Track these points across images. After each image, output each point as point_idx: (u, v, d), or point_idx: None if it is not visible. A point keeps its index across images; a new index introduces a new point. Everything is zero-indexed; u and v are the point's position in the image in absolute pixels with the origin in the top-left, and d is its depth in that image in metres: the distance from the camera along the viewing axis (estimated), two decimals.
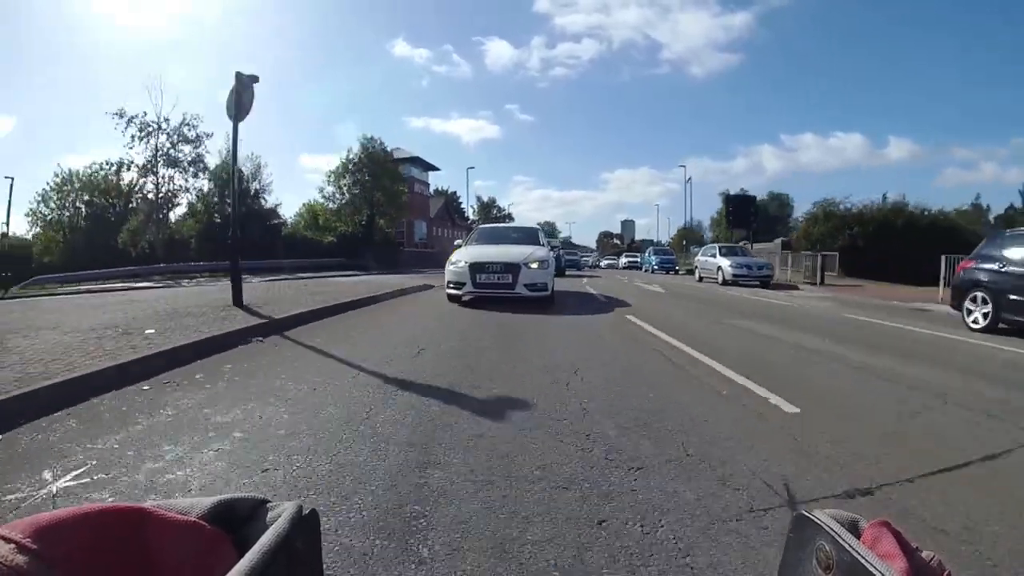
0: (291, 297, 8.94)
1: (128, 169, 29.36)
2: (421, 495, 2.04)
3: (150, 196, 29.76)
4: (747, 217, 33.29)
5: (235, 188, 7.32)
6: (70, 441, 2.60)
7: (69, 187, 30.06)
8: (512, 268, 8.24)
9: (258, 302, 7.73)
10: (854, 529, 0.34)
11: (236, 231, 7.46)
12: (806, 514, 0.35)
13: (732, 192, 50.84)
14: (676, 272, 28.44)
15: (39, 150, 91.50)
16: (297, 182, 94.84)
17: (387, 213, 33.68)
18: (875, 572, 0.28)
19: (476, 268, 8.37)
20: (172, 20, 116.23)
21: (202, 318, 6.05)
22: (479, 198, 66.60)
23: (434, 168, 45.93)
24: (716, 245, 20.98)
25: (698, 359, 4.63)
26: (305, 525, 0.32)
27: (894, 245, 21.12)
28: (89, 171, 29.91)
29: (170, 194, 29.59)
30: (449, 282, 8.78)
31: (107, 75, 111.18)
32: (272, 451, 2.48)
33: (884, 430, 3.00)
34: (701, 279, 20.47)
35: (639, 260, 37.85)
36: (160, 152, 28.42)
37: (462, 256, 8.84)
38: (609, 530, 1.85)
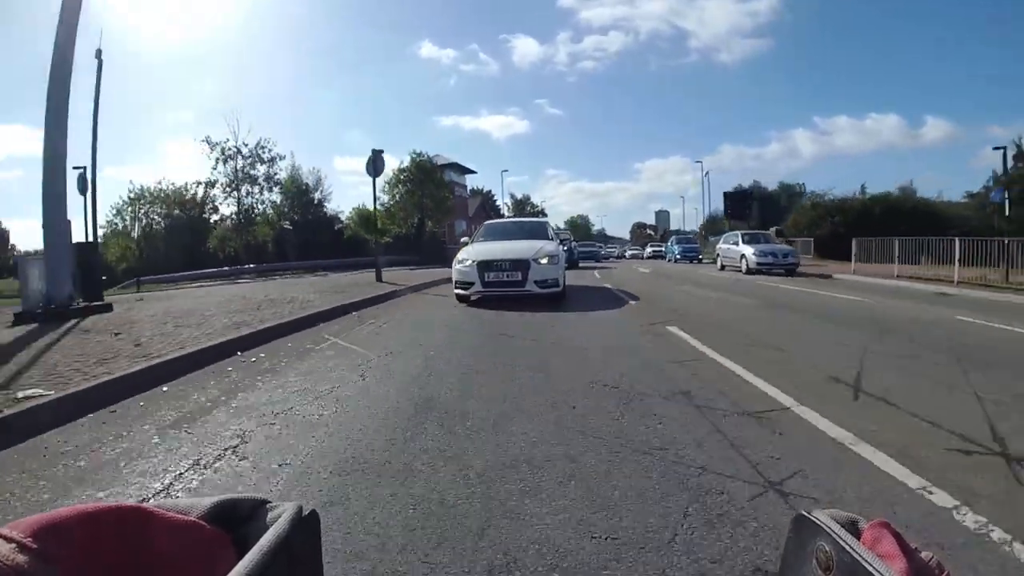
0: (402, 277, 14.98)
1: (212, 187, 34.08)
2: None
3: (232, 208, 34.83)
4: (744, 210, 37.18)
5: (376, 222, 11.34)
6: (336, 329, 6.59)
7: (141, 201, 34.04)
8: (521, 265, 7.87)
9: (387, 280, 13.57)
10: (854, 529, 0.34)
11: (377, 240, 12.10)
12: (805, 514, 0.35)
13: (762, 183, 54.03)
14: (699, 261, 27.92)
15: (75, 162, 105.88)
16: (334, 183, 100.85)
17: (434, 216, 36.98)
18: (875, 572, 0.28)
19: (484, 266, 8.01)
20: (201, 31, 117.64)
21: (365, 287, 11.72)
22: (512, 195, 69.58)
23: (471, 171, 49.42)
24: (738, 232, 19.15)
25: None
26: (305, 525, 0.32)
27: (872, 230, 21.56)
28: (162, 187, 34.45)
29: (249, 207, 35.32)
30: (456, 282, 8.40)
31: (140, 86, 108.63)
32: (423, 331, 6.26)
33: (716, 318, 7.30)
34: (723, 267, 19.01)
35: (663, 249, 37.87)
36: (240, 171, 33.87)
37: (469, 254, 8.44)
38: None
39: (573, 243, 22.65)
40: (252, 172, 33.97)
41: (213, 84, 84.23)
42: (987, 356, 4.68)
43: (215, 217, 35.80)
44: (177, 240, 32.61)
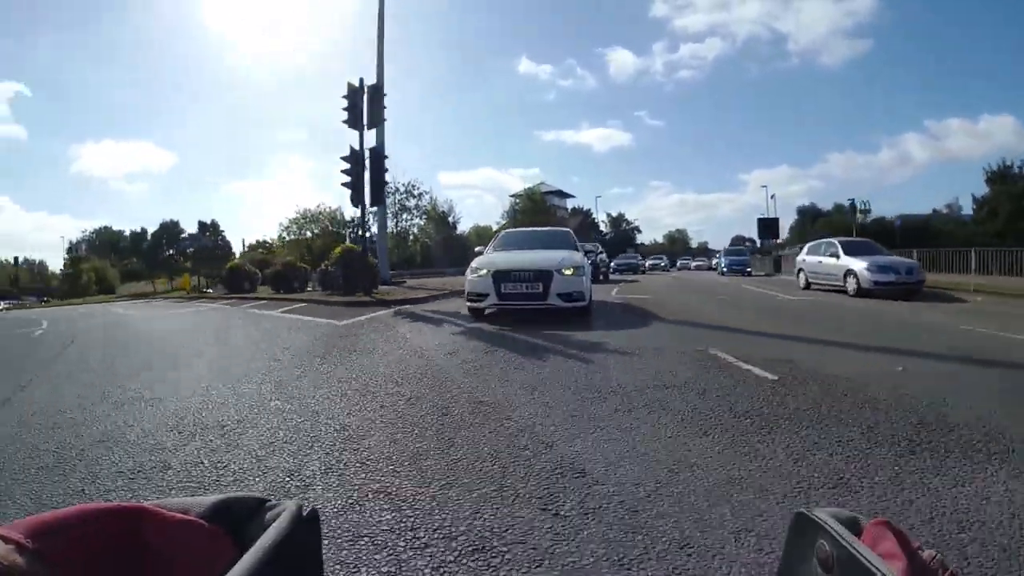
0: None
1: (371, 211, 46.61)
2: None
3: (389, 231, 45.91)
4: (772, 235, 38.20)
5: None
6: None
7: (304, 219, 41.18)
8: (543, 276, 6.73)
9: None
10: (854, 528, 0.33)
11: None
12: (806, 513, 0.34)
13: (818, 204, 52.09)
14: (749, 274, 25.37)
15: (200, 179, 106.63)
16: (439, 196, 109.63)
17: None
18: (876, 571, 0.28)
19: (501, 277, 6.85)
20: (307, 55, 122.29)
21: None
22: (608, 214, 70.41)
23: (570, 196, 58.44)
24: (836, 240, 13.38)
25: None
26: (305, 524, 0.31)
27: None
28: (320, 209, 41.36)
29: (405, 229, 46.04)
30: (469, 293, 7.23)
31: (253, 107, 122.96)
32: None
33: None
34: (809, 285, 13.67)
35: (714, 262, 34.56)
36: (398, 203, 43.69)
37: (484, 264, 7.25)
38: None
39: (601, 255, 20.50)
40: (407, 204, 43.36)
41: (322, 105, 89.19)
42: None
43: (370, 233, 46.94)
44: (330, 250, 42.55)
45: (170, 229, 54.08)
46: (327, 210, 41.83)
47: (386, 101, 12.86)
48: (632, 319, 7.35)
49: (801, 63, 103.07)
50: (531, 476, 2.29)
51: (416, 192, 43.83)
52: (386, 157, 12.76)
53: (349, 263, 13.25)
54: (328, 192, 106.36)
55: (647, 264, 37.82)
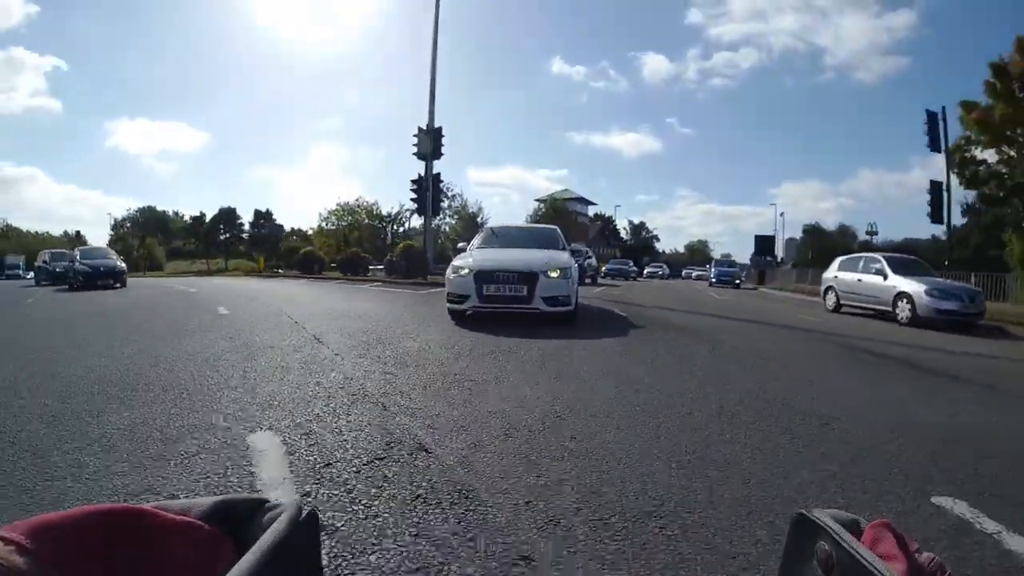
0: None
1: (409, 213, 43.16)
2: None
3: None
4: (767, 252, 38.50)
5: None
6: None
7: (343, 211, 41.86)
8: (528, 278, 6.11)
9: None
10: (854, 529, 0.32)
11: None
12: (806, 514, 0.33)
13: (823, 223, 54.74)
14: (737, 286, 26.14)
15: (230, 161, 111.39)
16: (469, 194, 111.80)
17: None
18: (876, 572, 0.27)
19: (483, 277, 6.18)
20: (346, 45, 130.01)
21: None
22: (630, 221, 71.23)
23: (592, 203, 58.96)
24: (881, 256, 11.19)
25: None
26: (304, 525, 0.31)
27: None
28: (357, 202, 42.33)
29: (436, 227, 50.60)
30: (449, 294, 6.51)
31: (286, 95, 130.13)
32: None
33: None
34: (839, 307, 11.36)
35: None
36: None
37: (465, 262, 6.53)
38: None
39: (590, 259, 20.09)
40: (441, 204, 48.66)
41: (356, 95, 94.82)
42: None
43: (402, 229, 43.80)
44: (371, 240, 41.18)
45: (229, 215, 56.92)
46: (364, 204, 42.71)
47: (409, 90, 16.68)
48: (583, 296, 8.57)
49: (837, 77, 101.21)
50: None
51: (450, 194, 46.02)
52: (441, 182, 19.00)
53: (411, 256, 18.89)
54: (355, 179, 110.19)
55: (646, 271, 37.93)
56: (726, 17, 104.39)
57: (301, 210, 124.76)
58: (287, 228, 59.95)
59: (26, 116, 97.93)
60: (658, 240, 69.16)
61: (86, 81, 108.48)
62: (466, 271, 6.39)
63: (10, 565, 0.22)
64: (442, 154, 17.93)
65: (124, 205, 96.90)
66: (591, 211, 59.97)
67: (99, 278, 14.97)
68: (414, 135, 17.72)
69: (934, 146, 14.81)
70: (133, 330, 5.96)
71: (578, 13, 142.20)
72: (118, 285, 15.27)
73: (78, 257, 15.82)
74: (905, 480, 2.14)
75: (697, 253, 76.83)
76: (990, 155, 18.05)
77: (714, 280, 27.46)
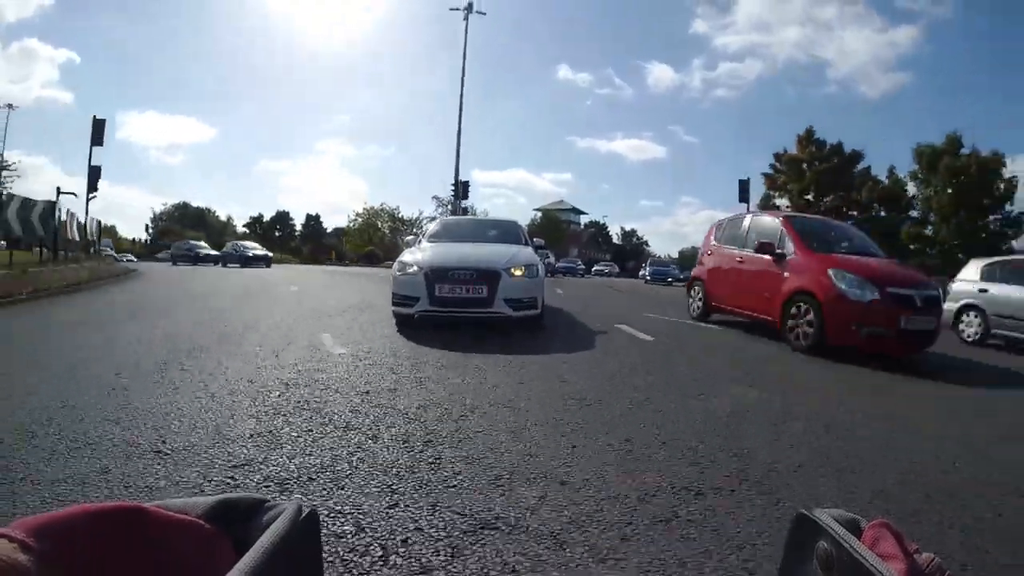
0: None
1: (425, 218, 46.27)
2: None
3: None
4: None
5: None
6: None
7: (369, 214, 47.99)
8: (488, 276, 5.01)
9: None
10: (854, 529, 0.32)
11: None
12: (806, 514, 0.33)
13: None
14: (670, 283, 26.04)
15: (236, 156, 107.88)
16: (475, 195, 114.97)
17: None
18: (876, 573, 0.27)
19: (435, 276, 4.97)
20: (351, 47, 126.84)
21: None
22: (622, 228, 73.23)
23: (584, 212, 61.68)
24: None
25: None
26: (305, 525, 0.31)
27: None
28: (381, 207, 48.54)
29: None
30: (396, 295, 5.17)
31: (287, 94, 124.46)
32: None
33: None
34: (987, 335, 7.00)
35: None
36: (446, 207, 47.07)
37: (415, 258, 5.23)
38: None
39: (551, 258, 18.38)
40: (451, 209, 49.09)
41: (368, 94, 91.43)
42: None
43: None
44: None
45: (283, 217, 70.14)
46: (388, 208, 48.37)
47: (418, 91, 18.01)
48: None
49: (841, 90, 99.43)
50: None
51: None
52: (464, 210, 23.81)
53: None
54: (359, 179, 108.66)
55: (594, 269, 39.58)
56: (731, 28, 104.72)
57: (308, 204, 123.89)
58: (329, 229, 66.56)
59: (37, 107, 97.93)
60: (647, 245, 72.60)
61: (99, 73, 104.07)
62: (415, 268, 5.11)
63: (13, 563, 0.22)
64: (467, 196, 22.95)
65: (130, 196, 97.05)
66: (584, 220, 63.43)
67: (255, 262, 22.96)
68: (451, 184, 23.75)
69: (743, 198, 19.88)
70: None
71: (585, 21, 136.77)
72: (266, 266, 22.34)
73: (235, 246, 25.90)
74: None
75: (688, 259, 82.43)
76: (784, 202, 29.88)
77: (648, 278, 28.57)
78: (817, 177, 28.68)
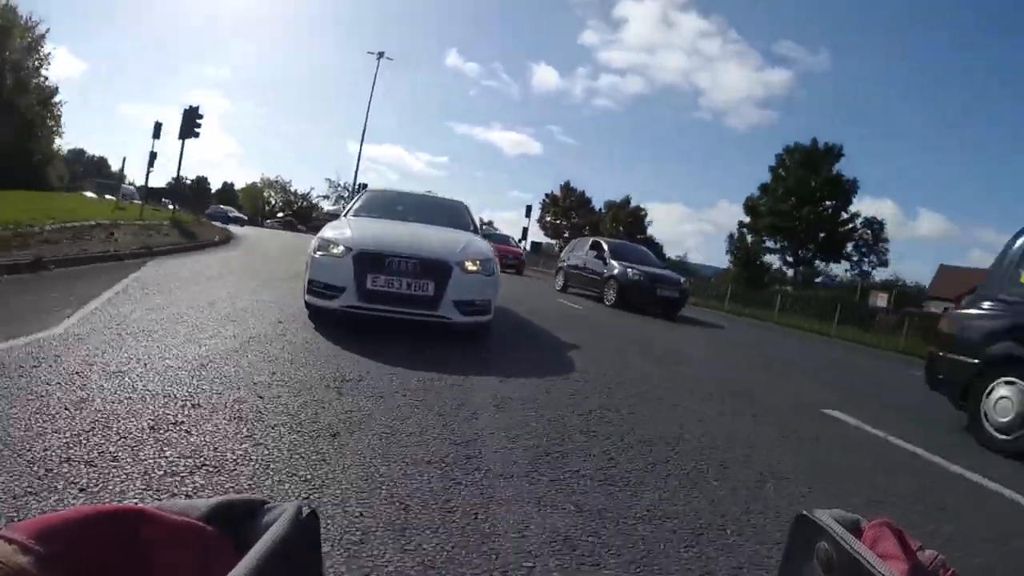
0: None
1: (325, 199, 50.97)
2: None
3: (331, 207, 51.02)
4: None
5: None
6: None
7: (263, 185, 52.96)
8: (436, 269, 3.65)
9: None
10: (855, 529, 0.32)
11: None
12: (807, 514, 0.33)
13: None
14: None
15: (104, 94, 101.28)
16: (345, 166, 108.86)
17: None
18: (876, 572, 0.27)
19: (369, 262, 3.54)
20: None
21: None
22: (480, 219, 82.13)
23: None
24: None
25: None
26: (305, 526, 0.31)
27: None
28: (275, 178, 52.63)
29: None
30: (312, 283, 3.63)
31: (174, 37, 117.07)
32: None
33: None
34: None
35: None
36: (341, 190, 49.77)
37: (341, 235, 3.76)
38: None
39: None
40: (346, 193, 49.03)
41: (253, 48, 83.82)
42: None
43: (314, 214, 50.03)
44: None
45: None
46: (280, 179, 54.49)
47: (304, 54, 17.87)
48: None
49: (713, 118, 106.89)
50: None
51: (357, 186, 52.29)
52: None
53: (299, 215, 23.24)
54: (233, 136, 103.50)
55: None
56: (618, 44, 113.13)
57: (173, 155, 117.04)
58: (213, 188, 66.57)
59: None
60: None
61: None
62: (340, 249, 3.62)
63: (14, 565, 0.21)
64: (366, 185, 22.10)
65: None
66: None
67: (234, 221, 28.54)
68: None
69: (528, 214, 28.54)
70: None
71: (483, 15, 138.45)
72: (240, 226, 26.89)
73: (217, 209, 32.48)
74: None
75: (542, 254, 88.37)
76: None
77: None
78: (566, 210, 49.34)
